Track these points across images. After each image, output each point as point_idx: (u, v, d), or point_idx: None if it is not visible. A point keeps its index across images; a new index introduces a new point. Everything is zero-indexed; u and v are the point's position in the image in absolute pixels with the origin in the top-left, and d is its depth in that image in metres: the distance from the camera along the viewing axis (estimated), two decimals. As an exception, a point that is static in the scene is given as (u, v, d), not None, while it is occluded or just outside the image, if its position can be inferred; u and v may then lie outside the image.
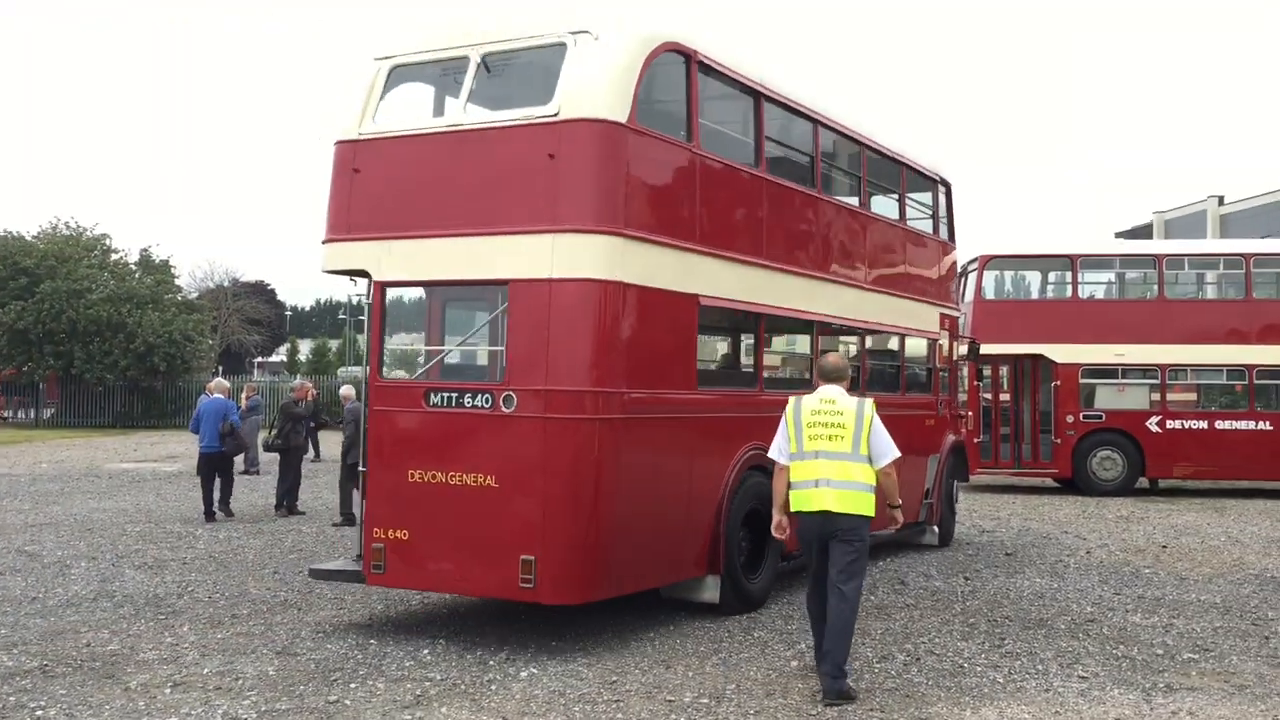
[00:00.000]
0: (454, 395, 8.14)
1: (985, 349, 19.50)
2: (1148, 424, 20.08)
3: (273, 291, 73.61)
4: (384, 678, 7.13)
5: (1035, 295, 22.60)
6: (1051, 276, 21.95)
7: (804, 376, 10.98)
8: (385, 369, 8.68)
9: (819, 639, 7.02)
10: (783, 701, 6.71)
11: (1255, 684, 7.26)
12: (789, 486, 7.07)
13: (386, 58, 8.89)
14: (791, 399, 7.27)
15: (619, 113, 7.93)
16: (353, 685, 6.95)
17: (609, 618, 8.79)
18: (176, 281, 46.05)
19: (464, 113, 8.46)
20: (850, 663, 6.99)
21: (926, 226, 13.83)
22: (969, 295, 20.32)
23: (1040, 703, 6.77)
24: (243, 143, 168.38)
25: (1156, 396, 20.29)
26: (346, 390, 15.31)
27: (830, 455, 6.89)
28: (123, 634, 8.29)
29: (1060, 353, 20.25)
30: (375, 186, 8.63)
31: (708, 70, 8.96)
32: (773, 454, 7.28)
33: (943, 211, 14.10)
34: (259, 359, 73.56)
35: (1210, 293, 21.95)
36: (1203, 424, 20.06)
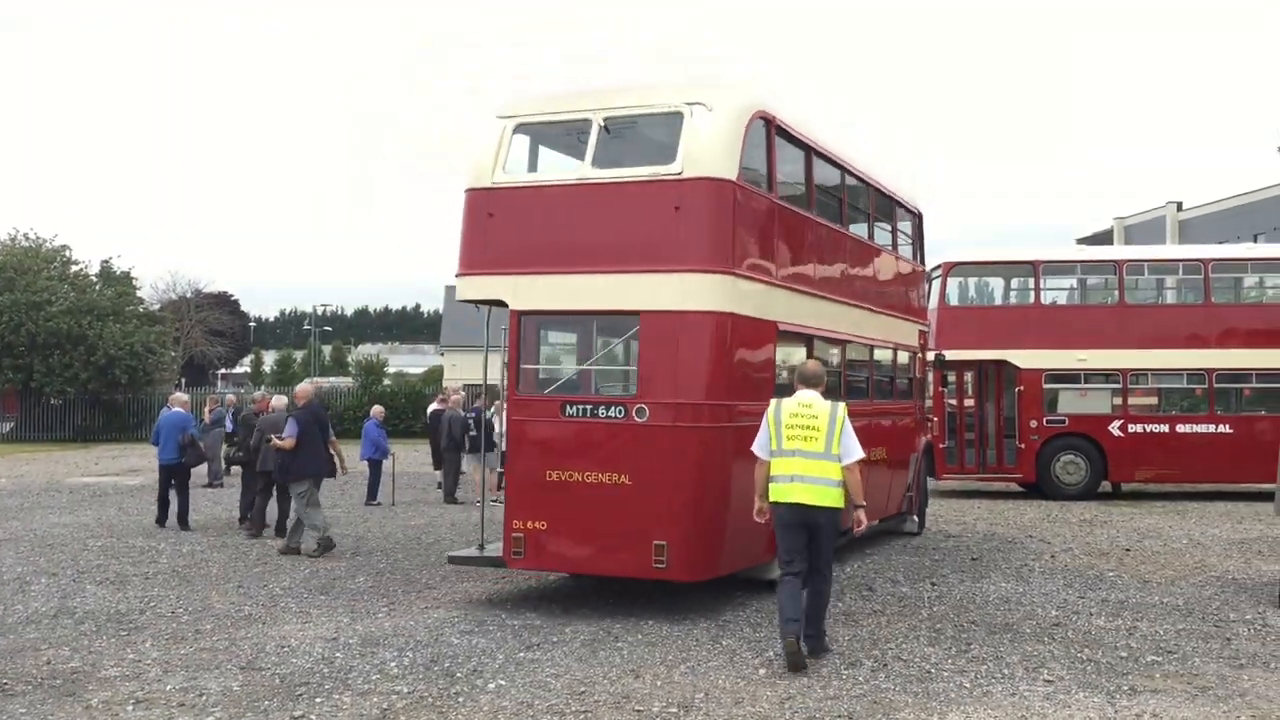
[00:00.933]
0: (589, 407, 9.48)
1: (950, 354, 19.85)
2: (1110, 428, 20.27)
3: (236, 302, 72.90)
4: (350, 691, 7.07)
5: (998, 301, 22.74)
6: (1014, 283, 22.11)
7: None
8: (520, 385, 9.83)
9: (790, 623, 7.56)
10: (751, 709, 6.71)
11: (1218, 685, 7.34)
12: (769, 479, 7.81)
13: (510, 116, 10.07)
14: (772, 401, 8.06)
15: (730, 171, 9.33)
16: (318, 700, 6.89)
17: (579, 625, 8.81)
18: (138, 293, 45.56)
19: (590, 168, 9.70)
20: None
21: (908, 252, 15.41)
22: (933, 302, 20.46)
23: (1007, 707, 6.81)
24: (239, 146, 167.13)
25: (1118, 401, 20.50)
26: (278, 400, 15.23)
27: (806, 454, 7.68)
28: (84, 651, 8.19)
29: (1023, 358, 20.41)
30: (509, 229, 9.85)
31: (780, 131, 10.32)
32: (755, 449, 7.98)
33: (917, 238, 15.76)
34: (222, 371, 72.85)
35: (1170, 298, 22.24)
36: (1164, 428, 20.28)
